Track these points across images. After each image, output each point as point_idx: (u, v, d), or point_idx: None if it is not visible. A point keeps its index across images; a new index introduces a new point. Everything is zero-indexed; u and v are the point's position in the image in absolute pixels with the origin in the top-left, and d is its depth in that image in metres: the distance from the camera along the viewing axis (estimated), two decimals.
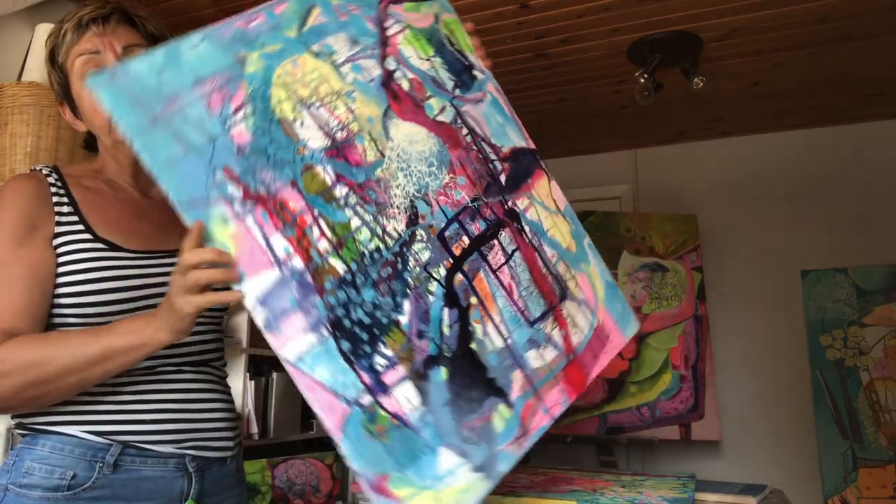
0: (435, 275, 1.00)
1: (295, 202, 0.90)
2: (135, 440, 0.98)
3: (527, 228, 1.14)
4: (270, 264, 0.86)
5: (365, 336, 0.91)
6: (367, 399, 0.88)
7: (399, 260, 0.97)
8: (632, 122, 2.99)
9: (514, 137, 1.19)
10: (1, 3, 1.66)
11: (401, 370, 0.93)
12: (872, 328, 2.83)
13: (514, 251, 1.11)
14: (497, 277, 1.08)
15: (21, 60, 1.67)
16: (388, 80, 1.05)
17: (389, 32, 1.09)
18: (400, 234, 0.98)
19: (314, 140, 0.94)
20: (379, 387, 0.90)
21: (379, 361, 0.91)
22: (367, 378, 0.89)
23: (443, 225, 1.03)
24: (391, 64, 1.07)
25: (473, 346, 1.01)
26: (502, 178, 1.14)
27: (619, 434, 2.75)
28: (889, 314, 2.82)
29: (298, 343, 0.86)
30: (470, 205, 1.07)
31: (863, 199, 2.95)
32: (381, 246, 0.96)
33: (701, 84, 2.25)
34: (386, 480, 0.86)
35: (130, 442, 0.98)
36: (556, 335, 1.10)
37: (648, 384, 2.79)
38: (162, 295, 0.92)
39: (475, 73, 1.18)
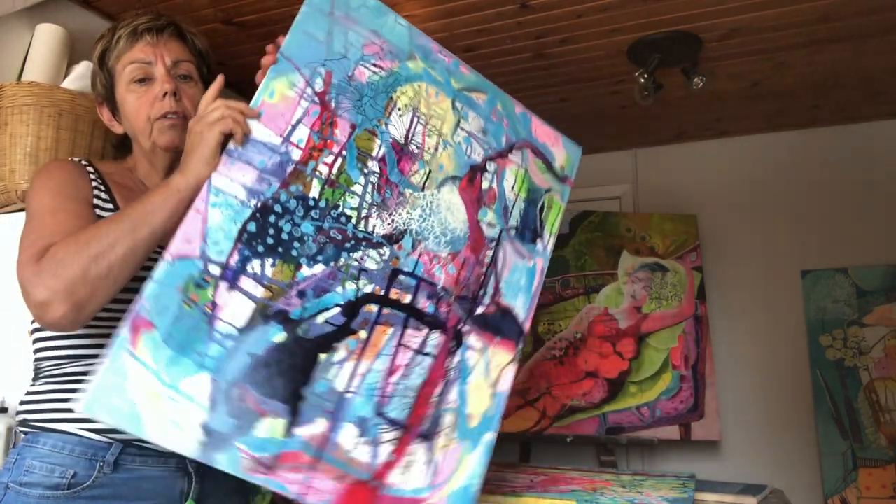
0: (360, 283, 1.01)
1: (341, 133, 1.04)
2: (135, 439, 0.98)
3: (456, 359, 1.09)
4: (280, 134, 0.97)
5: (270, 242, 0.94)
6: (215, 271, 0.89)
7: (351, 242, 1.01)
8: (632, 122, 2.99)
9: (519, 305, 1.20)
10: (1, 3, 1.65)
11: (258, 292, 0.92)
12: (872, 328, 2.83)
13: (428, 356, 1.05)
14: (395, 348, 1.02)
15: (21, 60, 1.67)
16: (479, 168, 1.18)
17: (510, 156, 1.23)
18: (372, 233, 1.04)
19: (394, 129, 1.09)
20: (233, 277, 0.90)
21: (254, 267, 0.92)
22: (234, 261, 0.91)
23: (406, 270, 1.06)
24: (490, 167, 1.20)
25: (322, 357, 0.95)
26: (479, 310, 1.14)
27: (619, 434, 2.75)
28: (889, 314, 2.82)
29: (230, 184, 0.92)
30: (437, 288, 1.09)
31: (863, 199, 2.95)
32: (353, 219, 1.02)
33: (701, 84, 2.25)
34: (147, 329, 0.83)
35: (131, 441, 0.98)
36: (383, 451, 0.98)
37: (648, 384, 2.79)
38: None
39: (538, 241, 1.25)
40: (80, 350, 1.01)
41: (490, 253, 1.16)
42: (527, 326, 1.19)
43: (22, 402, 1.03)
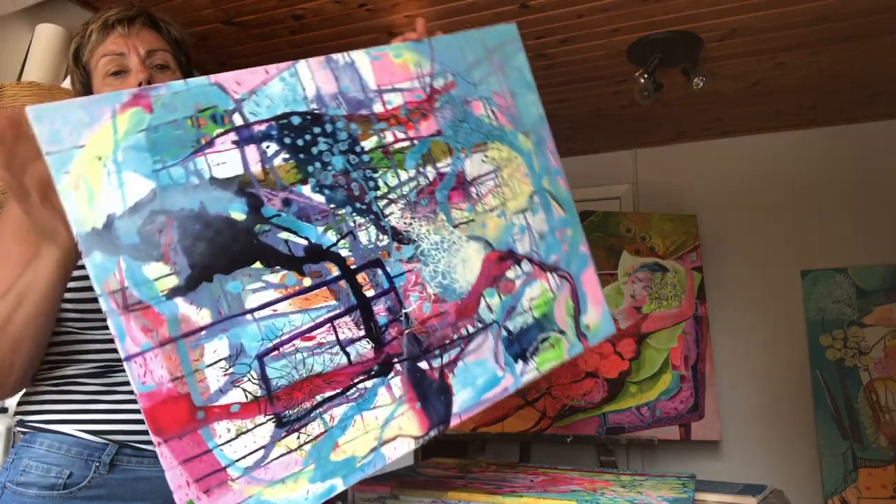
0: (340, 242, 0.96)
1: (426, 128, 1.06)
2: (131, 440, 0.98)
3: (368, 384, 0.95)
4: (378, 85, 1.04)
5: (299, 143, 0.95)
6: (237, 120, 0.91)
7: (363, 205, 0.98)
8: (632, 122, 2.99)
9: (462, 399, 1.03)
10: (1, 3, 1.66)
11: (255, 168, 0.90)
12: (872, 328, 2.83)
13: (345, 356, 0.95)
14: (324, 321, 0.94)
15: (21, 60, 1.67)
16: (515, 258, 1.13)
17: (549, 275, 1.18)
18: (386, 216, 1.01)
19: (469, 165, 1.10)
20: (244, 139, 0.90)
21: (268, 148, 0.92)
22: (257, 129, 0.93)
23: (388, 269, 0.99)
24: (525, 267, 1.15)
25: (257, 266, 0.89)
26: (422, 364, 0.99)
27: (619, 434, 2.75)
28: (889, 314, 2.82)
29: (307, 76, 0.97)
30: (402, 309, 0.99)
31: (863, 199, 2.95)
32: (379, 192, 1.01)
33: (701, 84, 2.25)
34: (145, 107, 0.84)
35: (126, 441, 0.98)
36: (231, 395, 0.85)
37: (648, 384, 2.79)
38: None
39: (520, 363, 1.10)
40: (77, 353, 1.01)
41: (470, 329, 1.05)
42: (453, 422, 1.01)
43: (19, 403, 1.03)
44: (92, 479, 0.96)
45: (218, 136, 0.88)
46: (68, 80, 1.61)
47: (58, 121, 0.79)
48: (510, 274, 1.12)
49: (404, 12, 1.99)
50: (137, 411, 0.99)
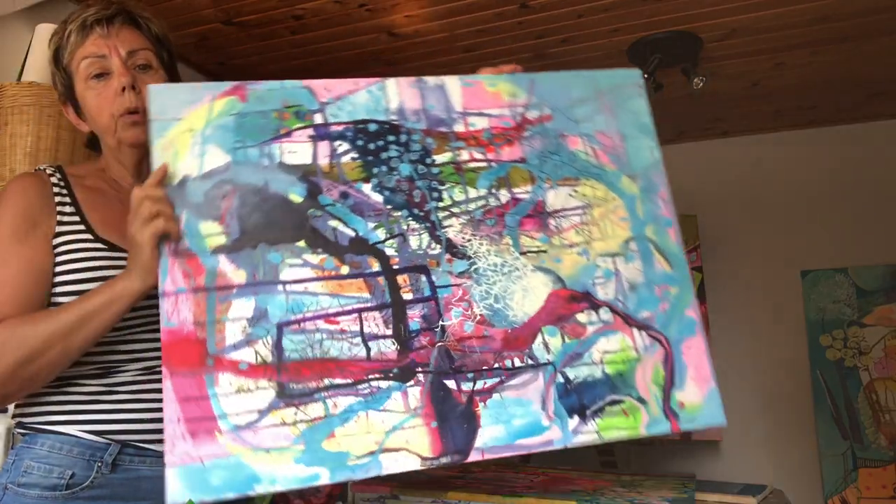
0: (388, 241, 0.99)
1: (508, 154, 1.07)
2: (133, 439, 0.98)
3: (381, 385, 0.92)
4: (464, 107, 1.09)
5: (371, 146, 1.04)
6: (318, 119, 1.01)
7: (420, 212, 1.02)
8: None
9: (491, 435, 0.95)
10: (1, 3, 1.65)
11: (323, 161, 0.99)
12: (872, 328, 2.83)
13: (367, 350, 0.95)
14: (352, 311, 0.95)
15: (21, 60, 1.67)
16: (593, 303, 1.03)
17: (635, 330, 1.05)
18: (443, 227, 1.02)
19: (552, 197, 1.07)
20: (320, 135, 1.01)
21: (341, 146, 1.02)
22: (335, 129, 1.02)
23: (433, 278, 0.98)
24: (603, 314, 1.04)
25: (300, 244, 0.95)
26: (449, 383, 0.94)
27: None
28: (889, 314, 2.82)
29: (400, 103, 1.05)
30: (440, 322, 0.96)
31: (863, 199, 2.94)
32: (441, 204, 1.03)
33: (701, 84, 2.25)
34: (241, 97, 0.99)
35: (129, 441, 0.98)
36: (243, 353, 0.89)
37: None
38: (157, 295, 0.92)
39: (574, 418, 0.98)
40: None
41: (517, 363, 0.96)
42: (474, 456, 0.92)
43: (17, 405, 1.03)
44: (94, 479, 0.96)
45: (297, 129, 0.99)
46: None
47: (167, 97, 0.96)
48: (582, 318, 1.01)
49: (404, 12, 1.99)
50: (139, 411, 0.99)
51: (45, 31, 1.65)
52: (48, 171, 1.06)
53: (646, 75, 2.23)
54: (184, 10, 1.94)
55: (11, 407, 1.32)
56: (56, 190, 1.04)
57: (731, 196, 3.13)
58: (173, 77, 1.12)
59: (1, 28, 1.70)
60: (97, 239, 1.01)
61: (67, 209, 1.02)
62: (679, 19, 2.07)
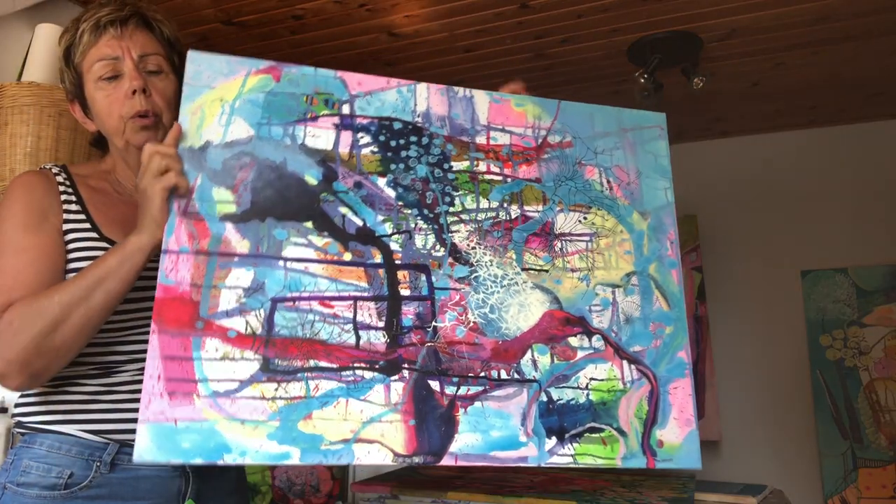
0: (394, 236, 1.02)
1: (525, 172, 1.10)
2: (132, 439, 0.98)
3: (365, 374, 0.94)
4: (488, 121, 1.11)
5: (392, 143, 1.07)
6: (345, 109, 1.04)
7: (430, 214, 1.05)
8: None
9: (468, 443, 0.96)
10: (1, 3, 1.65)
11: (343, 149, 1.02)
12: (872, 328, 2.83)
13: (356, 338, 0.97)
14: (348, 297, 0.97)
15: (21, 60, 1.67)
16: (586, 330, 1.06)
17: (625, 365, 1.06)
18: (450, 232, 1.04)
19: (561, 220, 1.10)
20: (345, 125, 1.05)
21: (363, 138, 1.05)
22: (360, 121, 1.04)
23: (433, 280, 1.00)
24: (595, 342, 1.08)
25: (308, 225, 0.97)
26: (433, 384, 0.96)
27: None
28: (889, 314, 2.82)
29: (427, 110, 1.07)
30: (433, 323, 0.98)
31: (863, 199, 2.94)
32: (451, 209, 1.06)
33: (701, 84, 2.25)
34: (274, 76, 1.02)
35: (127, 441, 0.98)
36: (235, 322, 0.90)
37: None
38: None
39: (552, 440, 1.00)
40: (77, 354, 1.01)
41: (503, 375, 0.98)
42: (447, 460, 0.92)
43: (17, 405, 1.03)
44: (93, 479, 0.96)
45: (323, 115, 1.02)
46: None
47: (203, 65, 0.99)
48: (573, 341, 1.03)
49: (404, 12, 1.99)
50: (138, 410, 0.99)
51: (45, 31, 1.65)
52: (53, 171, 1.07)
53: (646, 75, 2.24)
54: (184, 10, 1.94)
55: (11, 407, 1.32)
56: (62, 188, 1.04)
57: (731, 196, 3.13)
58: (182, 79, 1.12)
59: (1, 28, 1.70)
60: (103, 238, 1.01)
61: (73, 207, 1.03)
62: (679, 19, 2.07)
